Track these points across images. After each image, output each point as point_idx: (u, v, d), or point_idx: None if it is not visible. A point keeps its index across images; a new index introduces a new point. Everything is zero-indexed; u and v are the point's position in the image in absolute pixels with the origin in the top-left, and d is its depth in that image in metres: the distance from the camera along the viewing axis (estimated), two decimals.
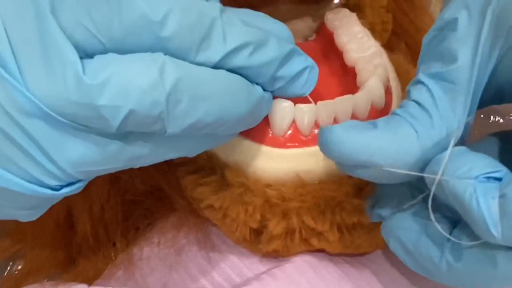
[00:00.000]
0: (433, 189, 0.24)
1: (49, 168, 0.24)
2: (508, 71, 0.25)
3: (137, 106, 0.23)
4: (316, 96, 0.32)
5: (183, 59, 0.24)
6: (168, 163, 0.33)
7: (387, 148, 0.25)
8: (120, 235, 0.35)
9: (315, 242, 0.31)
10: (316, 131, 0.30)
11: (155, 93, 0.23)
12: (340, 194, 0.30)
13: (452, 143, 0.25)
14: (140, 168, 0.27)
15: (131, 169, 0.27)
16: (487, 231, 0.23)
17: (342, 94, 0.33)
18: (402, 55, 0.39)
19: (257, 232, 0.32)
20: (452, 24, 0.26)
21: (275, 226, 0.31)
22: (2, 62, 0.22)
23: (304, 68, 0.28)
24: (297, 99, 0.29)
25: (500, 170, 0.23)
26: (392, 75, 0.34)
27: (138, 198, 0.37)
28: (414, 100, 0.26)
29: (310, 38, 0.39)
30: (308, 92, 0.29)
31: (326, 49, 0.37)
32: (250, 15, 0.28)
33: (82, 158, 0.24)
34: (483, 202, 0.23)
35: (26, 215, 0.27)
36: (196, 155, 0.28)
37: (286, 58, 0.27)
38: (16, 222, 0.35)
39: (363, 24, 0.38)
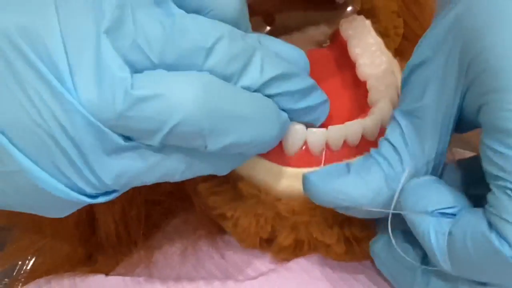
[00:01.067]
0: (389, 224, 0.27)
1: (91, 179, 0.25)
2: (471, 105, 0.26)
3: (181, 121, 0.24)
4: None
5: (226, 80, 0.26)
6: None
7: (358, 192, 0.27)
8: (141, 234, 0.37)
9: (323, 252, 0.33)
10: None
11: (200, 110, 0.24)
12: None
13: (402, 179, 0.27)
14: None
15: None
16: (439, 264, 0.25)
17: (352, 108, 0.35)
18: None
19: (267, 241, 0.34)
20: (423, 63, 0.27)
21: (285, 238, 0.32)
22: (59, 75, 0.23)
23: (321, 102, 0.30)
24: None
25: (455, 206, 0.25)
26: None
27: (160, 198, 0.38)
28: (387, 139, 0.28)
29: (324, 45, 0.39)
30: (319, 123, 0.31)
31: (340, 57, 0.37)
32: (274, 42, 0.30)
33: (123, 171, 0.26)
34: (433, 237, 0.25)
35: (56, 214, 0.28)
36: None
37: (309, 90, 0.29)
38: (35, 221, 0.38)
39: (377, 29, 0.38)
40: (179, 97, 0.24)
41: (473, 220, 0.24)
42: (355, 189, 0.27)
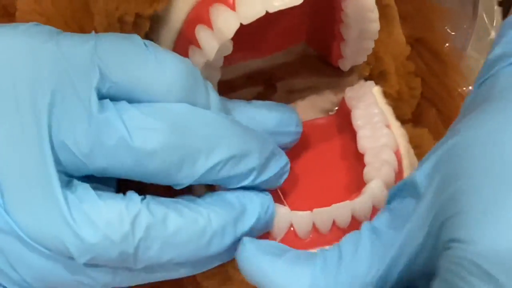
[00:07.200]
0: None
1: (13, 277, 0.26)
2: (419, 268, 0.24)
3: (103, 254, 0.24)
4: (324, 181, 0.32)
5: (164, 177, 0.26)
6: None
7: (279, 281, 0.25)
8: None
9: None
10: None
11: (124, 244, 0.24)
12: None
13: None
14: None
15: None
16: None
17: (350, 183, 0.33)
18: (427, 130, 0.37)
19: None
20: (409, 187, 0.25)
21: None
22: None
23: (281, 169, 0.29)
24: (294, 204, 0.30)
25: None
26: (406, 163, 0.33)
27: None
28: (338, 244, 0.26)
29: (330, 113, 0.38)
30: (278, 185, 0.30)
31: (345, 127, 0.36)
32: (257, 107, 0.30)
33: (48, 276, 0.26)
34: None
35: None
36: None
37: (265, 165, 0.28)
38: None
39: (389, 94, 0.37)
40: (104, 232, 0.24)
41: None
42: (278, 277, 0.25)
